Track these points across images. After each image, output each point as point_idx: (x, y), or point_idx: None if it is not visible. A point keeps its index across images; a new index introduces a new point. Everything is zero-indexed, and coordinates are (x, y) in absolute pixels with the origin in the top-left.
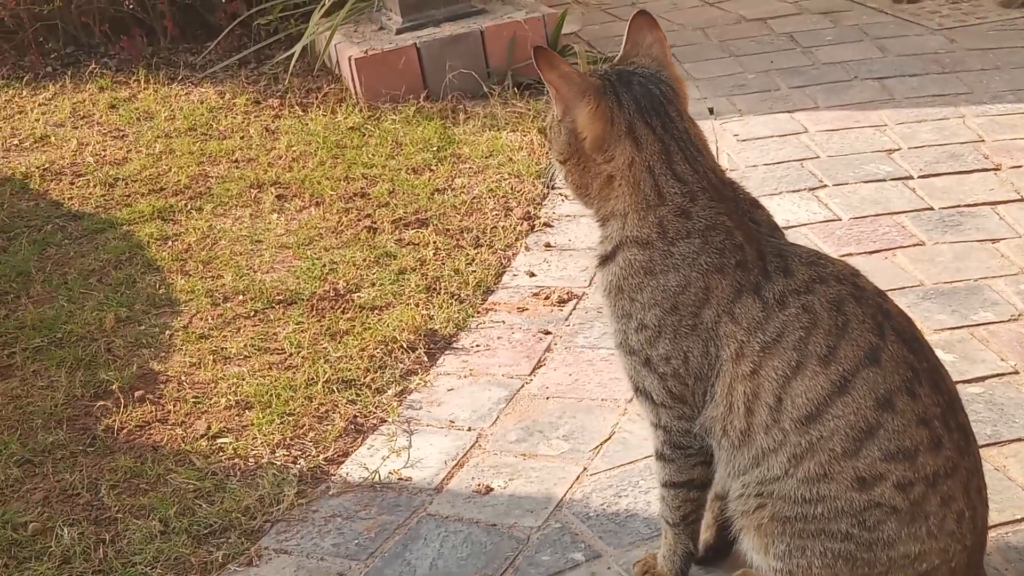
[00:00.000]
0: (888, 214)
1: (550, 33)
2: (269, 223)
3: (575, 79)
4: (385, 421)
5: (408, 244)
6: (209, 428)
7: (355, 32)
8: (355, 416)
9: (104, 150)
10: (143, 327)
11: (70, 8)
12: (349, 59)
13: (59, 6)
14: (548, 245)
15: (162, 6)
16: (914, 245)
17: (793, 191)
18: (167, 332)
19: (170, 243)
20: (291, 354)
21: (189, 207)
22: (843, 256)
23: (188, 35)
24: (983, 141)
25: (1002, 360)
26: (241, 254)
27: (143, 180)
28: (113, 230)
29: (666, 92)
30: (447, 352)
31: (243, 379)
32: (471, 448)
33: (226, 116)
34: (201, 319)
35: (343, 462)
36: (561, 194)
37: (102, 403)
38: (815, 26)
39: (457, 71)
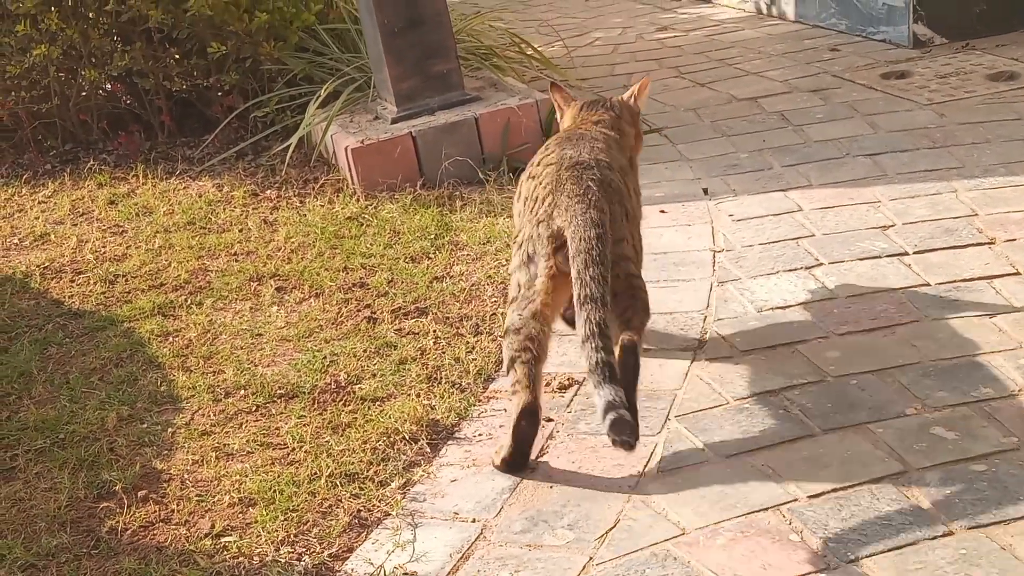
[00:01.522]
0: (885, 291)
1: (543, 118)
2: (269, 316)
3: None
4: (389, 515)
5: (408, 334)
6: (213, 527)
7: (351, 122)
8: (359, 510)
9: (104, 247)
10: (145, 425)
11: (68, 106)
12: (346, 149)
13: (57, 104)
14: None
15: (159, 102)
16: (912, 322)
17: (789, 270)
18: (169, 430)
19: (171, 339)
20: (293, 449)
21: (189, 302)
22: (841, 335)
23: (185, 129)
24: (977, 215)
25: (1005, 436)
26: (242, 348)
27: (143, 276)
28: (114, 327)
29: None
30: (450, 442)
31: (246, 476)
32: (476, 540)
33: (224, 209)
34: (203, 415)
35: (348, 558)
36: None
37: (105, 504)
38: (805, 104)
39: (453, 158)
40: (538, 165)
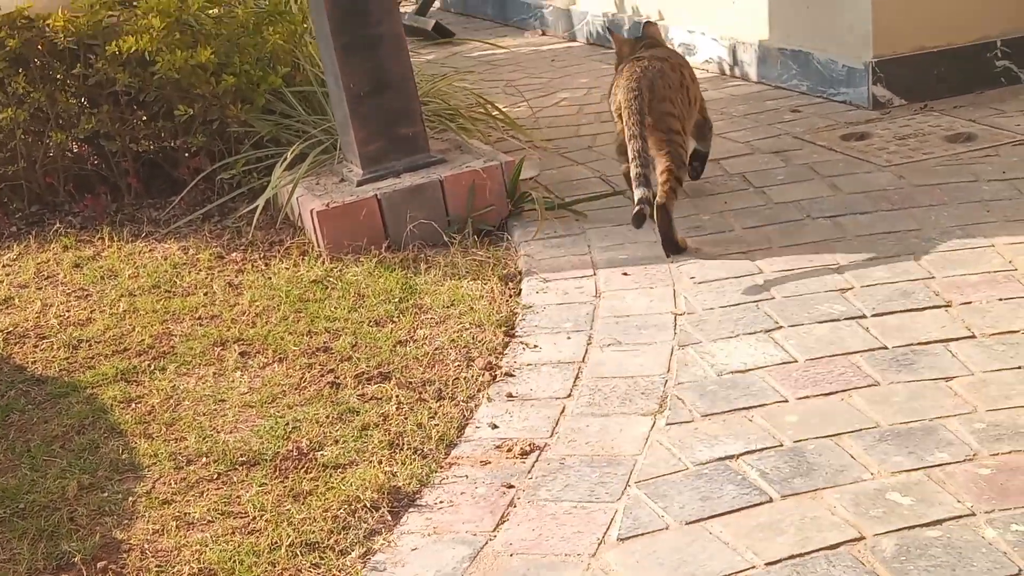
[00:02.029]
0: (843, 354)
1: (508, 180)
2: (232, 381)
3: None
4: None
5: (371, 399)
6: None
7: (317, 184)
8: None
9: (68, 311)
10: (106, 494)
11: (35, 168)
12: (311, 212)
13: (24, 167)
14: (510, 395)
15: (126, 164)
16: (869, 386)
17: (750, 333)
18: (130, 498)
19: (133, 405)
20: (254, 517)
21: (152, 367)
22: (800, 399)
23: (152, 190)
24: (934, 278)
25: (959, 502)
26: (204, 414)
27: (107, 341)
28: (76, 394)
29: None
30: (411, 509)
31: (206, 545)
32: None
33: (190, 272)
34: (164, 484)
35: None
36: (523, 342)
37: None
38: (767, 166)
39: (418, 221)
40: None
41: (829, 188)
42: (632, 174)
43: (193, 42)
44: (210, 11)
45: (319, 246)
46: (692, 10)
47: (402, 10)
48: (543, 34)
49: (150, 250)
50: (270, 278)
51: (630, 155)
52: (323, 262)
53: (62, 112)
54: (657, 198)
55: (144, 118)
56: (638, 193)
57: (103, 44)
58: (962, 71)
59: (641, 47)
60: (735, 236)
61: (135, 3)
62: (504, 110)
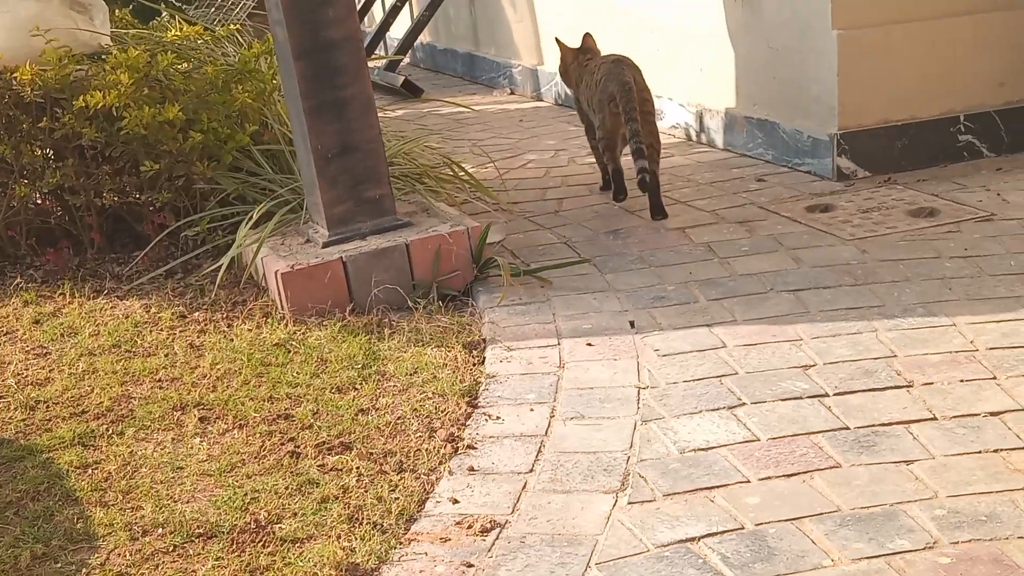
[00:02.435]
0: (805, 434)
1: (474, 246)
2: (191, 448)
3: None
4: None
5: (331, 470)
6: None
7: (282, 245)
8: None
9: (26, 369)
10: (59, 565)
11: None
12: (276, 273)
13: None
14: (472, 469)
15: (89, 219)
16: (831, 468)
17: (712, 409)
18: (84, 570)
19: (90, 471)
20: None
21: (111, 431)
22: (762, 479)
23: (116, 244)
24: (896, 356)
25: None
26: (162, 482)
27: (65, 402)
28: (32, 458)
29: None
30: None
31: None
32: None
33: (151, 332)
34: (119, 555)
35: None
36: (486, 414)
37: None
38: (732, 236)
39: (383, 286)
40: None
41: (793, 261)
42: (633, 149)
43: (161, 98)
44: (179, 67)
45: (283, 308)
46: (660, 75)
47: (372, 65)
48: (511, 93)
49: (112, 307)
50: (232, 340)
51: (629, 134)
52: (286, 324)
53: (27, 165)
54: (650, 167)
55: (109, 172)
56: (639, 164)
57: (71, 98)
58: (926, 144)
59: (582, 54)
60: (699, 307)
61: (104, 57)
62: (471, 171)
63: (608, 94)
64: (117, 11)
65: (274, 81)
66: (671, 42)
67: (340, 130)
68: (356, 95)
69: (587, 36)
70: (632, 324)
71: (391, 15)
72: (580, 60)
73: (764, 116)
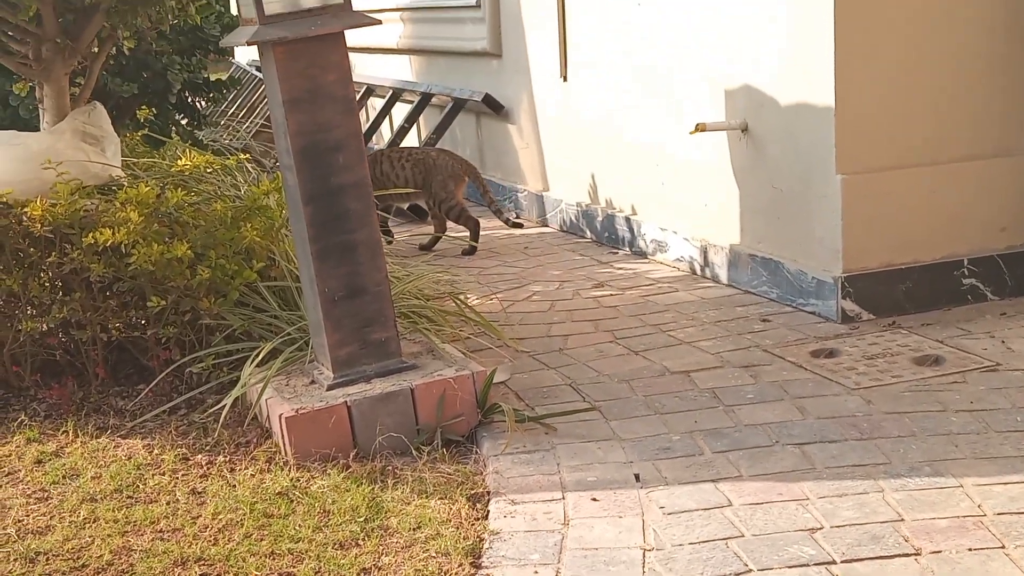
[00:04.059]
0: None
1: (479, 391)
2: None
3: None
4: None
5: None
6: None
7: (286, 385)
8: None
9: (27, 516)
10: None
11: (2, 354)
12: (280, 417)
13: None
14: None
15: (95, 353)
16: None
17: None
18: None
19: None
20: None
21: None
22: None
23: (120, 376)
24: (903, 520)
25: None
26: None
27: (65, 555)
28: None
29: None
30: None
31: None
32: None
33: (153, 476)
34: None
35: None
36: (488, 574)
37: None
38: (737, 382)
39: (388, 433)
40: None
41: (798, 411)
42: (493, 209)
43: (170, 234)
44: (188, 201)
45: (286, 452)
46: (665, 208)
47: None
48: (517, 217)
49: (115, 447)
50: (235, 487)
51: (488, 201)
52: (289, 470)
53: (34, 297)
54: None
55: (116, 306)
56: (507, 216)
57: (79, 233)
58: (930, 287)
59: (392, 150)
60: (704, 460)
61: (114, 188)
62: (476, 303)
63: (461, 171)
64: (128, 135)
65: (282, 218)
66: (676, 175)
67: (348, 273)
68: (364, 239)
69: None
70: (637, 477)
71: (399, 135)
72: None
73: (769, 254)
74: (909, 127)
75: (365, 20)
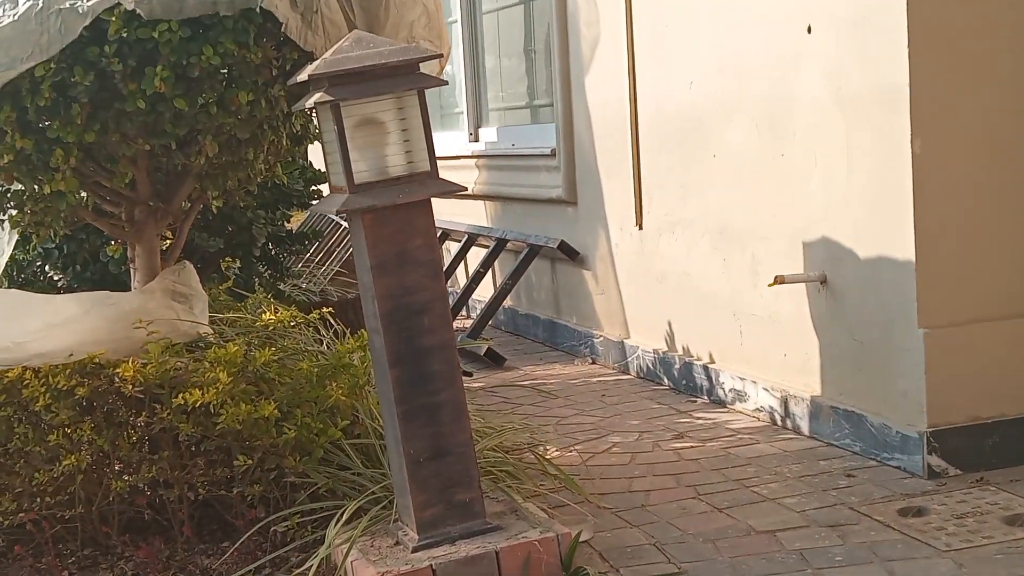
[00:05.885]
0: None
1: (564, 553)
2: None
3: None
4: None
5: None
6: None
7: (371, 546)
8: None
9: None
10: None
11: (91, 512)
12: None
13: (80, 511)
14: None
15: (181, 513)
16: None
17: None
18: None
19: None
20: None
21: None
22: None
23: (204, 532)
24: None
25: None
26: None
27: None
28: None
29: None
30: None
31: None
32: None
33: None
34: None
35: None
36: None
37: None
38: (824, 542)
39: None
40: None
41: (887, 575)
42: None
43: (257, 392)
44: (275, 359)
45: None
46: (744, 357)
47: (455, 326)
48: (593, 363)
49: None
50: None
51: None
52: None
53: (123, 456)
54: None
55: (203, 465)
56: None
57: (169, 392)
58: (1018, 442)
59: None
60: None
61: (202, 345)
62: (556, 456)
63: None
64: (212, 287)
65: (367, 376)
66: (754, 325)
67: (432, 434)
68: (449, 400)
69: None
70: None
71: (474, 280)
72: None
73: (851, 407)
74: (992, 279)
75: (450, 187)
